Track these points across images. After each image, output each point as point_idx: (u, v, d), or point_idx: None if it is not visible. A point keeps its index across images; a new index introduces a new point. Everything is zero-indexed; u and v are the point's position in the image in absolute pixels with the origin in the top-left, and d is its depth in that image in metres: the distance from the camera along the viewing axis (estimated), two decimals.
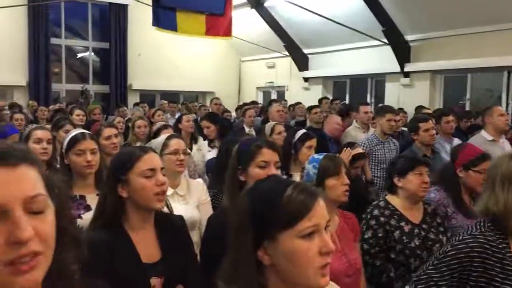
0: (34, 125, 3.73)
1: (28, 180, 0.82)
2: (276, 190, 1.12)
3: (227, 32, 8.42)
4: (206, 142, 4.97)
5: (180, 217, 2.06)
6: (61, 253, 0.85)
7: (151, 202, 1.83)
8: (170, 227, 1.93)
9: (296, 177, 3.21)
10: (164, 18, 7.79)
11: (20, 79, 11.48)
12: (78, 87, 12.15)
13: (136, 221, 1.84)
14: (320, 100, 8.85)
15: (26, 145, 2.63)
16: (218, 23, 8.23)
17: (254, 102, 10.07)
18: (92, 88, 12.62)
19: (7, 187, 0.78)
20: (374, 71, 10.29)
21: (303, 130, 3.70)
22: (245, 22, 11.46)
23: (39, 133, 3.15)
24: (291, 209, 1.08)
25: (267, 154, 2.07)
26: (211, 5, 8.16)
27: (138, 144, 4.68)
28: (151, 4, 7.85)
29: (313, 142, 3.52)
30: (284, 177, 3.35)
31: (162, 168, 1.90)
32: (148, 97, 12.97)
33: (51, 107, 8.96)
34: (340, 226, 2.39)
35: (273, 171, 2.05)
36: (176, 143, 2.74)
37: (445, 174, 3.01)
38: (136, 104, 10.32)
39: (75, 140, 2.55)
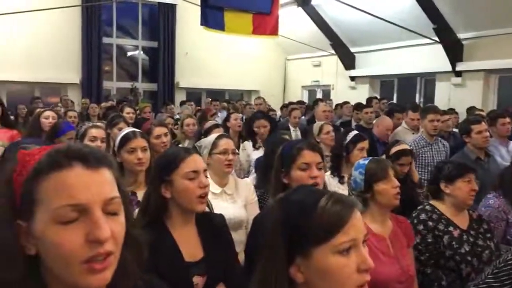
0: (90, 123, 3.87)
1: (108, 183, 0.86)
2: (309, 201, 1.05)
3: (274, 31, 8.38)
4: (250, 142, 4.96)
5: (221, 216, 2.07)
6: (123, 252, 0.88)
7: (193, 204, 1.85)
8: (211, 226, 1.94)
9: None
10: (212, 18, 7.86)
11: (74, 77, 11.90)
12: (128, 85, 12.49)
13: (178, 221, 1.86)
14: (370, 100, 8.66)
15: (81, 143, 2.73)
16: (265, 22, 8.21)
17: (300, 102, 9.94)
18: (141, 86, 12.92)
19: (90, 189, 0.83)
20: (424, 70, 9.97)
21: (355, 132, 3.62)
22: (292, 20, 11.40)
23: (94, 132, 3.29)
24: (325, 222, 1.00)
25: (308, 156, 2.05)
26: (258, 4, 8.15)
27: (187, 142, 4.76)
28: (199, 4, 7.95)
29: (365, 144, 3.45)
30: (336, 179, 3.33)
31: (205, 170, 1.92)
32: (194, 95, 13.14)
33: (102, 104, 9.22)
34: (393, 231, 2.32)
35: (315, 172, 2.03)
36: (226, 143, 2.75)
37: (504, 179, 2.89)
38: (183, 102, 10.51)
39: (126, 139, 2.64)
